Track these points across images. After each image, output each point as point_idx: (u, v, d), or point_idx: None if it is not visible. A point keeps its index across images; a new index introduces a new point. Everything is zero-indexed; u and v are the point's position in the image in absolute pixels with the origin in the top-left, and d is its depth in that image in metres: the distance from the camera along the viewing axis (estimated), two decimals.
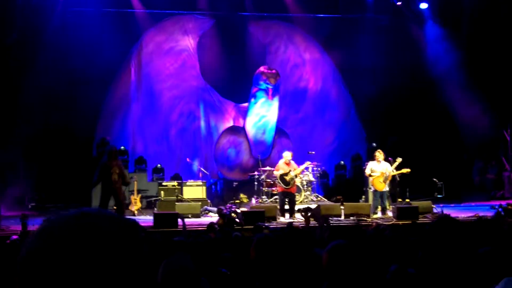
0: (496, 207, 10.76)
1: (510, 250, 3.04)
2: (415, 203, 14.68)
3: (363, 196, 16.78)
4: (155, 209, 15.82)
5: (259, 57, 21.04)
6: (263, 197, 16.91)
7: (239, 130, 20.94)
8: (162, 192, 16.72)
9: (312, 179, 17.16)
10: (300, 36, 21.66)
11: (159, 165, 19.36)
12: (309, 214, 9.61)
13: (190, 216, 14.63)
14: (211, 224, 9.83)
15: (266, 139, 20.76)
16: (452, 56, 20.20)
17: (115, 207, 13.03)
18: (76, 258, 1.05)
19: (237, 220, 11.80)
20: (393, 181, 15.15)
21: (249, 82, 20.61)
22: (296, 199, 15.38)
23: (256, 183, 17.42)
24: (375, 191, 14.71)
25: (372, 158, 15.11)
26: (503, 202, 11.50)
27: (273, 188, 16.65)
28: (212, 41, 20.81)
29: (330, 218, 11.94)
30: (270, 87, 20.46)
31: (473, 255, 2.96)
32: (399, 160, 14.70)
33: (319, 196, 17.41)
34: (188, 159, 18.92)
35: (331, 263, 3.28)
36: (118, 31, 19.16)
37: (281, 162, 15.00)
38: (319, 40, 21.51)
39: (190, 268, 3.33)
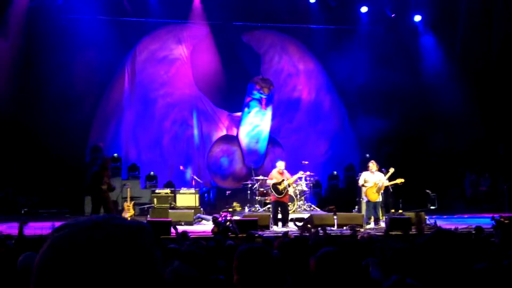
0: (497, 217, 10.80)
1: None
2: (408, 214, 14.69)
3: (356, 206, 16.78)
4: (148, 216, 15.76)
5: (253, 66, 21.09)
6: (256, 206, 16.89)
7: (232, 139, 20.95)
8: (155, 199, 16.66)
9: (305, 188, 17.16)
10: (294, 46, 21.74)
11: (152, 172, 19.34)
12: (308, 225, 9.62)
13: (183, 223, 14.60)
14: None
15: (259, 148, 20.77)
16: (446, 66, 20.33)
17: None
18: (89, 270, 1.04)
19: (232, 228, 11.78)
20: (386, 191, 15.17)
21: (242, 92, 20.64)
22: (289, 209, 15.37)
23: (249, 191, 17.42)
24: (368, 202, 14.71)
25: (366, 168, 15.12)
26: (496, 215, 11.51)
27: (266, 197, 16.64)
28: (206, 50, 20.83)
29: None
30: (263, 96, 20.49)
31: (468, 270, 2.96)
32: (392, 170, 14.71)
33: (312, 205, 17.41)
34: (181, 167, 18.88)
35: (319, 271, 3.27)
36: (113, 38, 19.17)
37: (274, 172, 14.99)
38: (313, 51, 21.59)
39: (195, 275, 3.33)
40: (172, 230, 11.48)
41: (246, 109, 20.71)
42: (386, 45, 20.47)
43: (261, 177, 17.16)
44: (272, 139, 21.01)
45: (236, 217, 14.31)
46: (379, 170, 14.84)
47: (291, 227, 14.44)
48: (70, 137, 18.31)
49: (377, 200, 14.58)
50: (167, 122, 20.58)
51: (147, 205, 17.09)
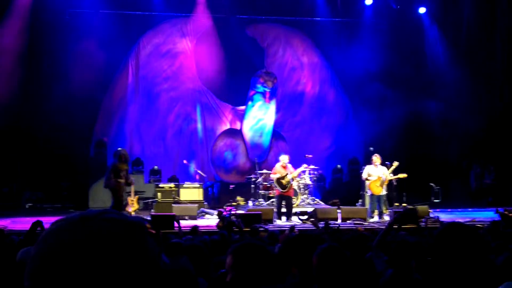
0: (501, 211, 10.79)
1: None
2: (411, 208, 14.66)
3: (360, 200, 16.77)
4: (152, 210, 15.79)
5: (256, 60, 21.03)
6: (260, 200, 16.90)
7: (236, 133, 20.93)
8: (159, 193, 16.68)
9: (309, 182, 17.16)
10: (298, 39, 21.68)
11: (156, 166, 19.36)
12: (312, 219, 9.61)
13: (187, 218, 14.62)
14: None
15: (263, 142, 20.75)
16: (450, 59, 20.27)
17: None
18: (78, 263, 1.04)
19: (236, 223, 11.77)
20: (390, 185, 15.15)
21: (246, 85, 20.61)
22: (293, 202, 15.36)
23: (253, 186, 17.42)
24: (372, 195, 14.70)
25: (369, 162, 15.10)
26: (501, 208, 11.50)
27: (270, 191, 16.65)
28: (210, 43, 20.78)
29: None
30: (267, 90, 20.46)
31: (484, 262, 2.95)
32: (396, 164, 14.68)
33: (316, 199, 17.40)
34: (185, 161, 18.89)
35: (319, 266, 3.27)
36: (116, 32, 19.13)
37: (278, 166, 14.98)
38: (317, 44, 21.52)
39: (190, 270, 3.32)
40: (175, 224, 11.47)
41: (249, 103, 20.70)
42: (390, 37, 20.40)
43: (264, 171, 17.17)
44: (276, 133, 20.99)
45: (240, 211, 14.32)
46: (383, 163, 14.82)
47: (295, 221, 14.46)
48: (74, 131, 18.33)
49: (381, 193, 14.57)
50: (171, 116, 20.58)
51: (151, 200, 17.12)
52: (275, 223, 14.07)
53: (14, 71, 18.02)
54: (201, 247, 4.74)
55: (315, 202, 17.10)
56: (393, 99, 19.80)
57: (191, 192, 16.98)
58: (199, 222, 14.17)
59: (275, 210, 14.72)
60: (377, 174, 14.52)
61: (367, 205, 15.11)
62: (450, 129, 20.27)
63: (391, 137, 19.77)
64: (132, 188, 16.08)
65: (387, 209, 15.01)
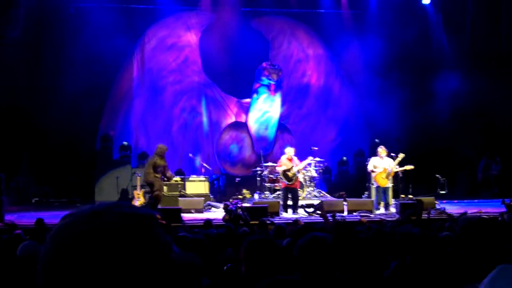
0: (507, 201, 10.78)
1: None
2: (418, 199, 14.65)
3: (366, 192, 16.77)
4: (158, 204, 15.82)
5: (261, 52, 21.00)
6: (266, 192, 16.91)
7: (241, 126, 20.94)
8: (164, 187, 16.69)
9: (315, 174, 17.14)
10: (303, 31, 21.62)
11: None
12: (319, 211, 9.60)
13: (193, 211, 14.66)
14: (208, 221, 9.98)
15: (269, 134, 20.76)
16: (455, 49, 20.20)
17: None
18: (93, 258, 1.04)
19: (242, 216, 11.78)
20: (395, 177, 15.15)
21: (251, 78, 20.60)
22: (299, 195, 15.37)
23: (258, 178, 17.42)
24: (377, 187, 14.70)
25: (375, 154, 15.09)
26: (507, 199, 11.48)
27: (276, 184, 16.66)
28: (215, 36, 20.74)
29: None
30: (272, 82, 20.46)
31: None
32: (401, 156, 14.66)
33: (322, 192, 17.40)
34: (190, 155, 18.91)
35: (301, 255, 3.33)
36: (121, 26, 19.11)
37: (283, 158, 14.99)
38: (322, 36, 21.45)
39: (197, 263, 3.36)
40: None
41: (255, 96, 20.70)
42: (395, 29, 20.32)
43: (270, 164, 17.16)
44: (282, 125, 20.99)
45: (246, 204, 14.34)
46: (389, 155, 14.80)
47: (301, 213, 14.47)
48: (80, 125, 18.38)
49: (387, 185, 14.58)
50: (176, 109, 20.58)
51: None
52: (281, 215, 14.09)
53: (20, 66, 18.05)
54: (204, 241, 4.74)
55: (321, 194, 17.11)
56: (398, 90, 19.71)
57: (197, 186, 17.00)
58: (206, 216, 14.21)
59: (281, 202, 14.74)
60: (383, 166, 14.53)
61: (373, 197, 15.12)
62: (456, 120, 20.19)
63: (397, 128, 19.73)
64: (138, 182, 16.15)
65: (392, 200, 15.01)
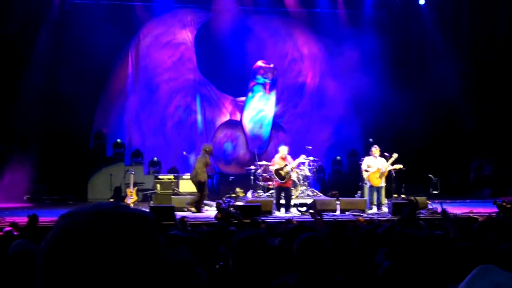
0: (499, 202, 10.82)
1: None
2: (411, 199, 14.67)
3: (359, 191, 16.79)
4: (151, 202, 15.78)
5: (257, 51, 21.01)
6: (259, 191, 16.91)
7: (236, 124, 20.95)
8: (158, 185, 16.66)
9: (309, 174, 17.15)
10: (298, 30, 21.63)
11: (155, 158, 19.37)
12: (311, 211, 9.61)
13: (186, 209, 14.64)
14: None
15: (263, 133, 20.78)
16: (450, 50, 20.23)
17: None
18: (95, 260, 1.04)
19: (235, 214, 11.80)
20: (389, 176, 15.18)
21: (246, 76, 20.60)
22: (292, 194, 15.38)
23: (252, 177, 17.39)
24: (371, 187, 14.73)
25: (369, 153, 15.12)
26: (499, 199, 11.52)
27: (270, 183, 16.65)
28: (210, 34, 20.74)
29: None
30: (267, 81, 20.48)
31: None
32: (395, 155, 14.68)
33: (315, 191, 17.41)
34: (184, 153, 18.89)
35: (299, 254, 3.34)
36: (116, 23, 19.10)
37: (277, 157, 14.99)
38: (318, 35, 21.48)
39: (189, 260, 3.36)
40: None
41: (250, 94, 20.72)
42: (390, 28, 20.36)
43: (264, 162, 17.15)
44: (276, 124, 21.01)
45: (239, 203, 14.33)
46: (382, 155, 14.84)
47: (294, 212, 14.49)
48: (73, 123, 18.31)
49: (380, 185, 14.62)
50: (170, 107, 20.57)
51: (150, 191, 17.12)
52: (274, 214, 14.10)
53: (13, 62, 17.99)
54: (199, 238, 4.75)
55: (315, 193, 17.11)
56: (392, 90, 19.75)
57: (191, 184, 16.93)
58: (198, 214, 14.22)
59: (274, 201, 14.74)
60: (376, 166, 14.56)
61: (366, 197, 15.14)
62: (449, 119, 20.25)
63: (391, 128, 19.78)
64: (131, 180, 16.11)
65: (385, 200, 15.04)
